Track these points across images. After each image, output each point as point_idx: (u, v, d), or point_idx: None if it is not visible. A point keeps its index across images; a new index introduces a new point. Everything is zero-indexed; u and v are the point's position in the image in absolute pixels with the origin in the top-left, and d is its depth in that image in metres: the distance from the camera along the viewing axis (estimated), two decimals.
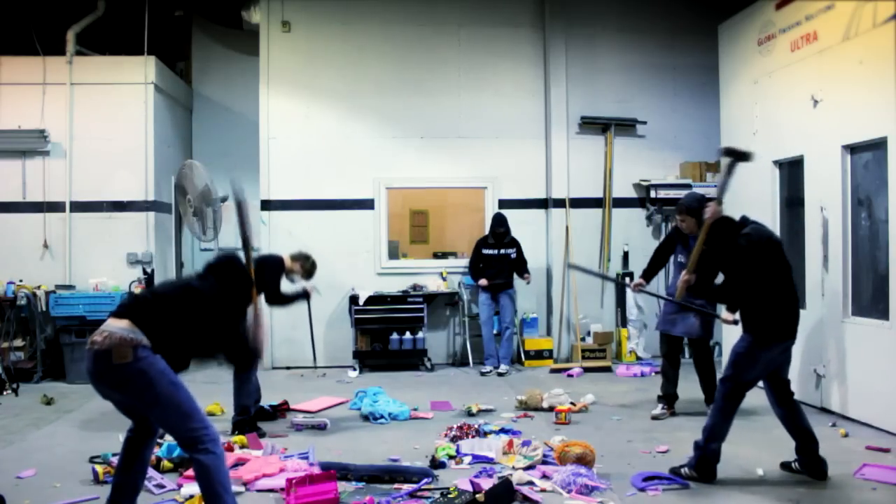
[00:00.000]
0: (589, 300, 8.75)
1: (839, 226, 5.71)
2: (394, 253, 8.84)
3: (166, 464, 4.49)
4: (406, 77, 8.72)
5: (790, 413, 4.31)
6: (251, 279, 3.80)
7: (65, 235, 8.21)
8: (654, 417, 5.71)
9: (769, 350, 4.17)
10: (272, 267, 5.75)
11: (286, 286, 5.96)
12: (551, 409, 5.93)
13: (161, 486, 4.20)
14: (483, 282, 7.95)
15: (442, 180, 8.82)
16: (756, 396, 4.75)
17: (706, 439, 4.21)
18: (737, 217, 4.30)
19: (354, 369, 8.02)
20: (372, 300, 8.13)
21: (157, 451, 4.58)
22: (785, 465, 4.41)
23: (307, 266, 6.00)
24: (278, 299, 5.85)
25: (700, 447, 4.23)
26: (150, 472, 4.28)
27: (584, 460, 4.36)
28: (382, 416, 5.78)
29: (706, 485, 4.18)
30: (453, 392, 6.89)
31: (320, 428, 5.55)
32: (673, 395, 5.89)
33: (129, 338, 3.14)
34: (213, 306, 3.45)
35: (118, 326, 3.18)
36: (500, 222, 7.98)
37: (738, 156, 4.26)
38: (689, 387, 6.04)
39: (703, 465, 4.20)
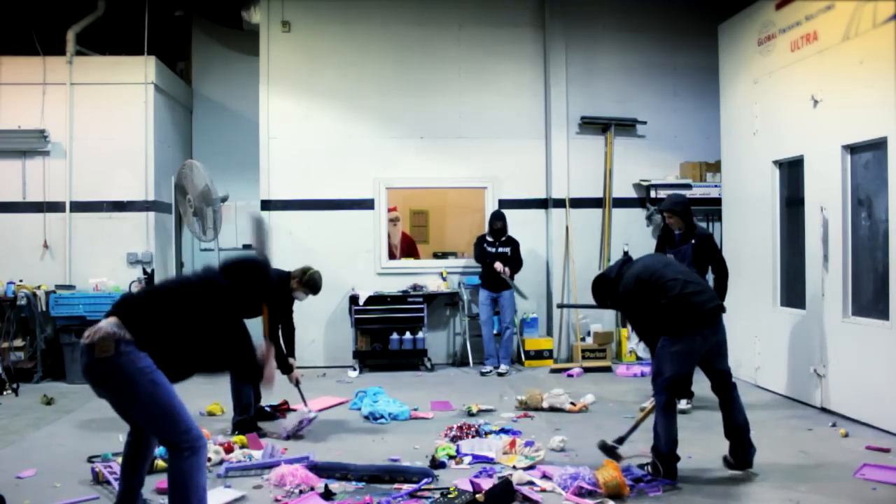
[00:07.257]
0: (589, 300, 8.72)
1: (839, 226, 5.71)
2: (394, 253, 8.84)
3: (160, 463, 4.41)
4: (406, 77, 8.72)
5: (725, 405, 4.34)
6: (269, 290, 3.73)
7: (65, 235, 8.20)
8: (681, 411, 5.61)
9: (683, 341, 4.22)
10: (280, 285, 5.54)
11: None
12: (551, 409, 5.91)
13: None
14: (498, 265, 7.78)
15: (442, 180, 8.82)
16: (751, 395, 4.75)
17: (655, 438, 4.28)
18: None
19: (354, 369, 8.02)
20: (372, 300, 8.13)
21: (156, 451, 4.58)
22: (725, 459, 4.38)
23: (305, 279, 5.49)
24: (287, 324, 5.64)
25: (653, 448, 4.29)
26: (114, 468, 4.26)
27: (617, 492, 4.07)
28: (382, 416, 5.78)
29: (706, 485, 4.18)
30: (453, 392, 6.88)
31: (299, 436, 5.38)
32: (688, 391, 5.71)
33: (112, 332, 3.14)
34: (212, 305, 3.33)
35: (106, 322, 3.21)
36: (497, 216, 7.97)
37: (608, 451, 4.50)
38: (697, 386, 5.99)
39: (661, 465, 4.24)
